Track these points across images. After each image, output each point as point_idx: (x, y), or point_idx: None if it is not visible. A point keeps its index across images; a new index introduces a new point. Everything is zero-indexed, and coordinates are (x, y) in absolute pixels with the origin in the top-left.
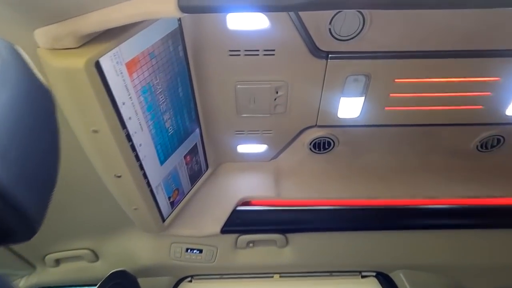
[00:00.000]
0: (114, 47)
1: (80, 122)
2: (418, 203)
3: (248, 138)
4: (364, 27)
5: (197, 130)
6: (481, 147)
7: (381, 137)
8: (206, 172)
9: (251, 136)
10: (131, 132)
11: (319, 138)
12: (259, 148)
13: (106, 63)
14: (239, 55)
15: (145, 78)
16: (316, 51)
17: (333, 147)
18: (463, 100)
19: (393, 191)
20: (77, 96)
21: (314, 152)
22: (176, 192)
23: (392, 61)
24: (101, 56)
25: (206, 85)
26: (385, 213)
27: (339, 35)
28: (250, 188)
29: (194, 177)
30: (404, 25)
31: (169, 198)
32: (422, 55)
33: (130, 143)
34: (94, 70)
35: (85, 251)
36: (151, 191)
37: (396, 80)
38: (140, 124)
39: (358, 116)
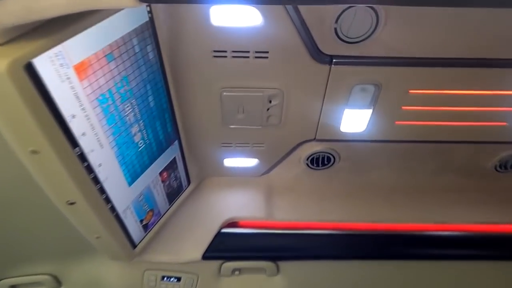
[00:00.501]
0: (55, 45)
1: (13, 140)
2: (427, 229)
3: (236, 151)
4: (377, 27)
5: (176, 143)
6: (500, 167)
7: (388, 154)
8: (188, 188)
9: (239, 149)
10: (85, 151)
11: (317, 153)
12: (248, 162)
13: (43, 66)
14: (225, 56)
15: (102, 85)
16: (318, 55)
17: (333, 163)
18: (485, 116)
19: (399, 214)
20: (4, 108)
21: (312, 167)
22: (151, 213)
23: (407, 69)
24: (35, 56)
25: (185, 92)
26: (390, 239)
27: (347, 36)
28: (237, 207)
29: (172, 195)
30: (424, 27)
31: (142, 221)
32: (443, 63)
33: (85, 164)
34: (24, 74)
35: (46, 276)
36: (117, 216)
37: (410, 91)
38: (98, 141)
39: (363, 131)
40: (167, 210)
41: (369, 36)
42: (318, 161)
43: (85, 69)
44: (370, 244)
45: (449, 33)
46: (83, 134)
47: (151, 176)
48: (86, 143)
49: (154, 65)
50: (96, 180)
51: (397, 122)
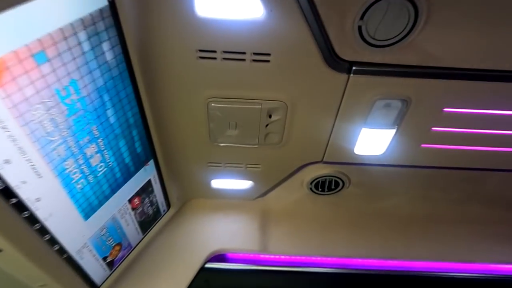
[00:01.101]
0: None
1: None
2: (449, 268)
3: (226, 172)
4: (415, 27)
5: (151, 163)
6: None
7: (407, 180)
8: (167, 214)
9: (230, 170)
10: (11, 184)
11: (324, 176)
12: (241, 184)
13: None
14: (214, 58)
15: (30, 96)
16: (333, 60)
17: (341, 188)
18: None
19: (416, 250)
20: None
21: (316, 192)
22: (118, 248)
23: (445, 83)
24: None
25: (163, 103)
26: (405, 280)
27: (373, 38)
28: (226, 236)
29: (147, 223)
30: (474, 31)
31: (105, 258)
32: (490, 76)
33: (14, 200)
34: None
35: None
36: (69, 258)
37: (445, 110)
38: (33, 169)
39: (382, 154)
40: (140, 241)
41: (402, 39)
42: (324, 186)
43: (2, 73)
44: (382, 286)
45: (505, 41)
46: (6, 161)
47: (117, 204)
48: (10, 174)
49: (115, 68)
50: (33, 219)
51: (423, 145)
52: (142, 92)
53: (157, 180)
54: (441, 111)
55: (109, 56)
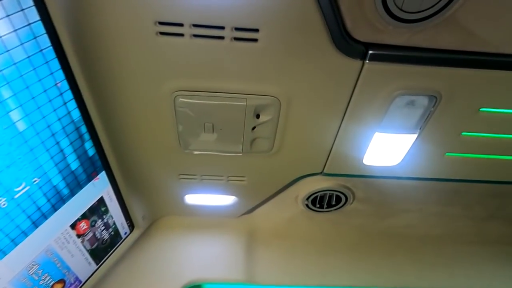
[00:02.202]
0: None
1: None
2: None
3: (203, 186)
4: None
5: (103, 176)
6: None
7: (424, 195)
8: (130, 237)
9: (208, 183)
10: None
11: (323, 190)
12: (222, 199)
13: None
14: (180, 35)
15: None
16: (344, 41)
17: (344, 204)
18: None
19: (430, 276)
20: None
21: (313, 209)
22: (60, 286)
23: (489, 74)
24: None
25: (111, 97)
26: None
27: (401, 9)
28: (204, 263)
29: (102, 250)
30: None
31: None
32: None
33: None
34: None
35: None
36: None
37: (482, 109)
38: None
39: (397, 164)
40: (94, 273)
41: (440, 10)
42: (323, 201)
43: None
44: None
45: None
46: None
47: (52, 233)
48: None
49: (21, 47)
50: None
51: (448, 154)
52: (80, 84)
53: (113, 197)
54: (476, 111)
55: (13, 37)
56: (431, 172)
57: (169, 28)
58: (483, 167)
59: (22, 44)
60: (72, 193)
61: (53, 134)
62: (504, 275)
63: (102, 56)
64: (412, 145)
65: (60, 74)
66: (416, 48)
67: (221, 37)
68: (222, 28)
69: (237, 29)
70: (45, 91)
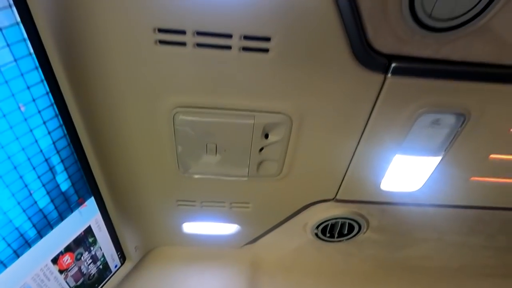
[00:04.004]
0: None
1: None
2: None
3: (203, 213)
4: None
5: (91, 202)
6: None
7: (444, 223)
8: (120, 270)
9: (208, 210)
10: None
11: (335, 218)
12: (223, 228)
13: None
14: (182, 44)
15: None
16: (365, 52)
17: (357, 233)
18: None
19: None
20: None
21: (323, 239)
22: None
23: None
24: None
25: (102, 114)
26: None
27: (431, 16)
28: None
29: (88, 286)
30: None
31: None
32: None
33: None
34: None
35: None
36: None
37: None
38: None
39: (418, 190)
40: None
41: (474, 18)
42: (334, 230)
43: None
44: None
45: None
46: None
47: (29, 269)
48: None
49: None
50: None
51: (474, 178)
52: (68, 98)
53: (102, 226)
54: (507, 131)
55: (6, 18)
56: (454, 198)
57: (170, 36)
58: (511, 193)
59: (8, 46)
60: (53, 224)
61: (44, 152)
62: None
63: (93, 67)
64: (435, 168)
65: (42, 87)
66: (444, 61)
67: (228, 47)
68: (230, 36)
69: (246, 37)
70: (33, 100)
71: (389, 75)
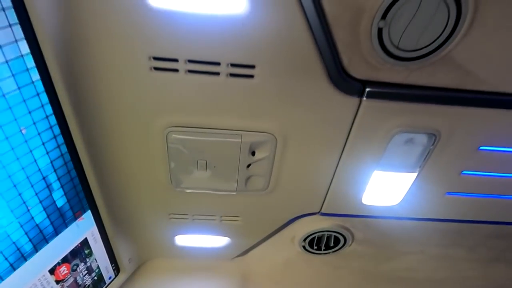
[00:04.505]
0: None
1: None
2: None
3: (195, 226)
4: (455, 33)
5: (88, 216)
6: None
7: (426, 236)
8: (114, 282)
9: (200, 223)
10: None
11: (321, 231)
12: (214, 240)
13: None
14: (175, 70)
15: None
16: (341, 78)
17: (342, 245)
18: None
19: None
20: None
21: (310, 251)
22: None
23: (487, 112)
24: None
25: (100, 133)
26: None
27: (397, 47)
28: None
29: None
30: None
31: None
32: None
33: None
34: None
35: None
36: None
37: (481, 148)
38: None
39: (397, 204)
40: None
41: (437, 49)
42: (321, 243)
43: None
44: None
45: None
46: None
47: (28, 279)
48: None
49: (24, 74)
50: None
51: (449, 193)
52: (69, 118)
53: (98, 238)
54: (476, 150)
55: (11, 52)
56: (432, 212)
57: (164, 63)
58: (486, 207)
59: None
60: (48, 238)
61: (39, 170)
62: None
63: (93, 91)
64: (412, 184)
65: (43, 111)
66: (414, 86)
67: (217, 73)
68: (218, 64)
69: (233, 65)
70: (34, 123)
71: (364, 98)
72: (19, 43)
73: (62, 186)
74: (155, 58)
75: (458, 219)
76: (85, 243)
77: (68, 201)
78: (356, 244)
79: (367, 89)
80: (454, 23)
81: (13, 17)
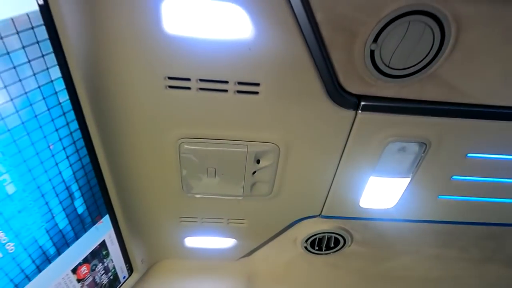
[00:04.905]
0: None
1: None
2: None
3: (203, 229)
4: (440, 53)
5: (106, 219)
6: None
7: (421, 237)
8: (128, 281)
9: (208, 226)
10: None
11: (322, 233)
12: (221, 242)
13: None
14: (187, 88)
15: None
16: (338, 94)
17: (342, 246)
18: None
19: None
20: None
21: (312, 252)
22: None
23: (473, 123)
24: None
25: (119, 144)
26: None
27: (388, 66)
28: None
29: None
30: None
31: None
32: None
33: None
34: None
35: None
36: None
37: (469, 155)
38: None
39: (393, 207)
40: None
41: (423, 68)
42: (322, 244)
43: None
44: None
45: None
46: None
47: (53, 277)
48: None
49: (52, 97)
50: None
51: (440, 197)
52: (92, 132)
53: (114, 240)
54: (464, 157)
55: (32, 83)
56: (426, 215)
57: (177, 82)
58: (476, 210)
59: (44, 98)
60: (76, 237)
61: (63, 182)
62: None
63: (115, 106)
64: (406, 188)
65: (67, 129)
66: (405, 99)
67: (225, 90)
68: (226, 82)
69: (239, 83)
70: (60, 139)
71: (359, 111)
72: (50, 70)
73: (82, 195)
74: (170, 78)
75: (450, 221)
76: (103, 244)
77: (87, 208)
78: (355, 245)
79: (362, 103)
80: (438, 45)
81: (47, 48)
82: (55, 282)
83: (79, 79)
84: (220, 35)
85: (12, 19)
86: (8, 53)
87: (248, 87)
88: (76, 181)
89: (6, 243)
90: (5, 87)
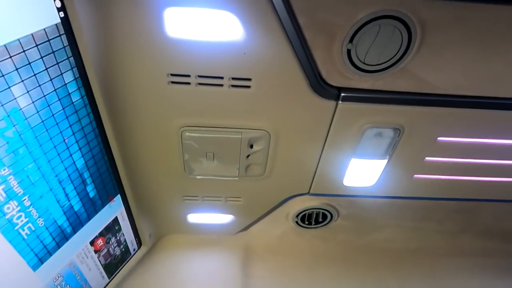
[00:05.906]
0: None
1: None
2: None
3: (204, 206)
4: (408, 51)
5: (118, 198)
6: None
7: (399, 212)
8: (138, 253)
9: (208, 204)
10: None
11: (311, 209)
12: (220, 218)
13: None
14: (187, 83)
15: None
16: (320, 86)
17: (329, 221)
18: None
19: (409, 284)
20: None
21: (302, 226)
22: None
23: (440, 110)
24: None
25: (130, 132)
26: None
27: (363, 62)
28: (204, 277)
29: (113, 265)
30: (472, 56)
31: None
32: (488, 104)
33: None
34: None
35: None
36: None
37: (439, 138)
38: None
39: (373, 185)
40: (106, 286)
41: (394, 64)
42: (311, 219)
43: None
44: None
45: (504, 68)
46: None
47: (75, 248)
48: None
49: (66, 98)
50: None
51: (416, 175)
52: (105, 121)
53: (125, 217)
54: (435, 140)
55: (58, 82)
56: (404, 192)
57: (179, 78)
58: (448, 187)
59: (59, 99)
60: (94, 213)
61: (92, 158)
62: (477, 285)
63: (123, 99)
64: (384, 168)
65: (79, 124)
66: (379, 91)
67: (221, 85)
68: (221, 78)
69: (233, 78)
70: (86, 125)
71: (340, 102)
72: (63, 75)
73: (93, 181)
74: (172, 74)
75: (425, 197)
76: (115, 220)
77: (98, 192)
78: (341, 220)
79: (342, 94)
80: (406, 44)
81: (61, 56)
82: (77, 252)
83: (95, 79)
84: (216, 37)
85: (32, 35)
86: (29, 63)
87: (241, 82)
88: (88, 169)
89: (35, 219)
90: (28, 92)
